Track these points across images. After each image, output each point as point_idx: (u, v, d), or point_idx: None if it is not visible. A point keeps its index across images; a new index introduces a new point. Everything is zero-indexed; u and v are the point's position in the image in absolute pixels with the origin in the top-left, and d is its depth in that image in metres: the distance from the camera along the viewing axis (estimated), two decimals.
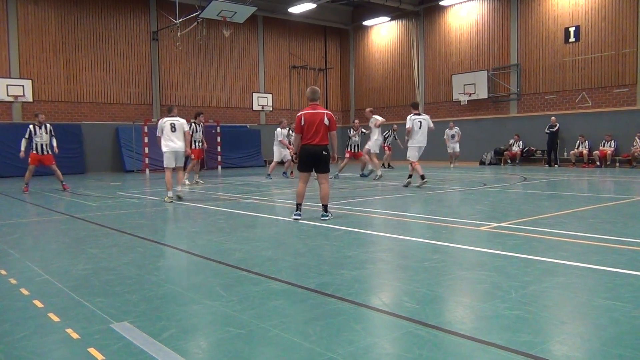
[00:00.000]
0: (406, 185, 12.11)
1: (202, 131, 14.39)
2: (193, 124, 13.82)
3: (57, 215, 8.67)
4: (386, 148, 20.60)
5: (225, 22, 20.35)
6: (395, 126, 21.47)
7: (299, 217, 7.44)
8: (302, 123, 7.43)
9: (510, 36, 22.12)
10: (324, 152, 7.48)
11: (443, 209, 8.51)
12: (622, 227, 6.42)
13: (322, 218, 7.40)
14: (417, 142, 12.23)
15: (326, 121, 7.44)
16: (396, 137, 21.12)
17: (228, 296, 3.80)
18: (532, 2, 21.38)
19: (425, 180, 11.93)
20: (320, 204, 7.62)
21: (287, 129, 16.10)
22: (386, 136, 20.44)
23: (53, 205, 9.90)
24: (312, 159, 7.49)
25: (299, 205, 7.57)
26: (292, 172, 16.69)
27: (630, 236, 5.78)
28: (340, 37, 29.68)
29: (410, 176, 12.32)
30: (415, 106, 12.61)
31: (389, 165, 21.03)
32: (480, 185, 12.61)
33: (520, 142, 21.75)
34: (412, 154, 12.25)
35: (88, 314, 3.45)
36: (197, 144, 13.95)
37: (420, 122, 12.24)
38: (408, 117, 12.28)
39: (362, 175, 15.81)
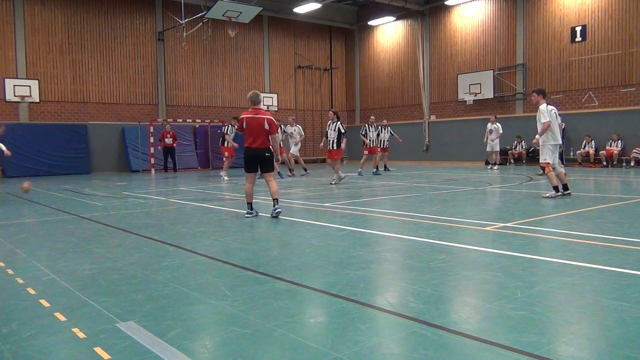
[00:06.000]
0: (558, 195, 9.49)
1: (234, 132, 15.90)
2: (229, 125, 15.90)
3: (63, 215, 8.71)
4: (382, 149, 17.90)
5: (231, 22, 20.39)
6: (385, 121, 18.54)
7: (250, 216, 7.74)
8: (244, 126, 7.76)
9: (516, 36, 22.04)
10: (266, 154, 7.80)
11: (448, 208, 8.49)
12: (629, 227, 6.39)
13: (276, 212, 7.65)
14: (555, 139, 9.58)
15: (266, 126, 7.70)
16: (392, 132, 18.51)
17: (233, 296, 3.81)
18: (538, 2, 21.28)
19: (563, 192, 9.59)
20: (272, 199, 7.84)
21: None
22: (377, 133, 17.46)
23: (59, 205, 9.94)
24: (255, 161, 7.84)
25: (249, 205, 7.89)
26: (291, 171, 16.74)
27: (637, 237, 5.74)
28: (346, 37, 29.66)
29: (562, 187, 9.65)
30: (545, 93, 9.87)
31: (385, 167, 18.88)
32: (486, 185, 12.57)
33: (523, 142, 21.65)
34: (547, 154, 9.56)
35: (94, 313, 3.47)
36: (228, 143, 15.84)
37: (556, 113, 9.68)
38: (544, 107, 9.49)
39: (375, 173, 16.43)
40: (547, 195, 9.49)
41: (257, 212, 7.92)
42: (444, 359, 2.65)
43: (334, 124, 13.46)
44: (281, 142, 15.83)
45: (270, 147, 7.86)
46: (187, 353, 2.78)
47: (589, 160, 19.49)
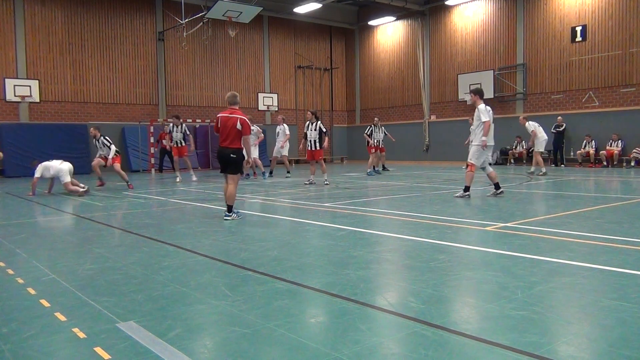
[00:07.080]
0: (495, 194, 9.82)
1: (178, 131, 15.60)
2: (172, 124, 15.68)
3: (63, 215, 8.71)
4: (379, 149, 17.79)
5: (231, 22, 20.39)
6: (376, 119, 18.20)
7: (229, 219, 7.58)
8: (219, 125, 7.72)
9: (516, 36, 22.04)
10: (231, 155, 7.61)
11: (448, 208, 8.49)
12: (629, 227, 6.39)
13: (225, 218, 7.54)
14: (489, 139, 9.71)
15: (239, 126, 7.62)
16: (386, 132, 18.49)
17: (233, 296, 3.81)
18: (538, 2, 21.28)
19: (496, 192, 9.76)
20: (226, 205, 7.70)
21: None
22: (369, 133, 17.55)
23: (60, 205, 9.94)
24: (222, 160, 7.72)
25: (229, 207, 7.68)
26: (254, 173, 16.42)
27: (637, 236, 5.74)
28: (346, 37, 29.66)
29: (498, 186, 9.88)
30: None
31: (383, 167, 18.84)
32: (486, 185, 12.55)
33: (524, 142, 21.66)
34: (476, 156, 9.72)
35: (94, 313, 3.47)
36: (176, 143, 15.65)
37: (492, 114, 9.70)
38: (483, 107, 9.67)
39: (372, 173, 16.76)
40: (458, 194, 9.73)
41: (240, 215, 7.76)
42: (443, 359, 2.65)
43: (313, 124, 13.25)
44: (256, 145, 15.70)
45: (239, 149, 7.69)
46: (187, 353, 2.78)
47: (589, 160, 19.49)
